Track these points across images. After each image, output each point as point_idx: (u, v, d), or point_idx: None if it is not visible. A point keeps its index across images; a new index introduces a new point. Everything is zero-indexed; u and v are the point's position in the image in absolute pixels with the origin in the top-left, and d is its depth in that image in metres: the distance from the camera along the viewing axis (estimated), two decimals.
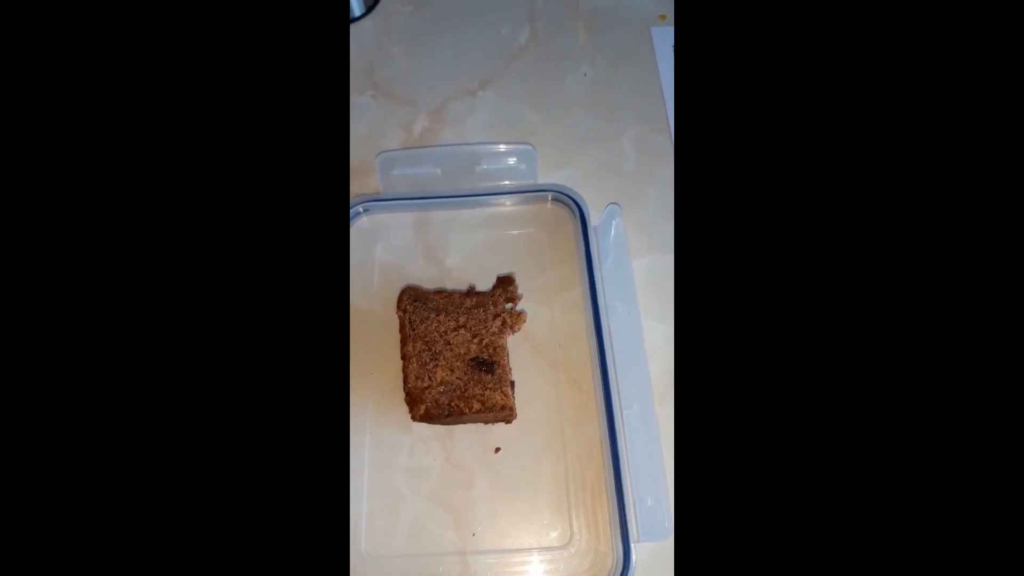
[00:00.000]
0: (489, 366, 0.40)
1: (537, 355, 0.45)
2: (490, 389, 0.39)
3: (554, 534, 0.40)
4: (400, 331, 0.42)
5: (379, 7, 0.62)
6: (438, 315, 0.42)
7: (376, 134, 0.55)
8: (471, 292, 0.45)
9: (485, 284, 0.47)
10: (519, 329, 0.43)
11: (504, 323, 0.42)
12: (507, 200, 0.50)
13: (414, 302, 0.43)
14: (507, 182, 0.50)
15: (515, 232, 0.49)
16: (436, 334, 0.41)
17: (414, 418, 0.40)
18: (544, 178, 0.50)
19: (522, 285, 0.46)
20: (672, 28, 0.59)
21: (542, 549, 0.40)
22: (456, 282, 0.47)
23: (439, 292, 0.44)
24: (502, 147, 0.49)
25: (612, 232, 0.46)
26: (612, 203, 0.48)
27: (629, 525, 0.38)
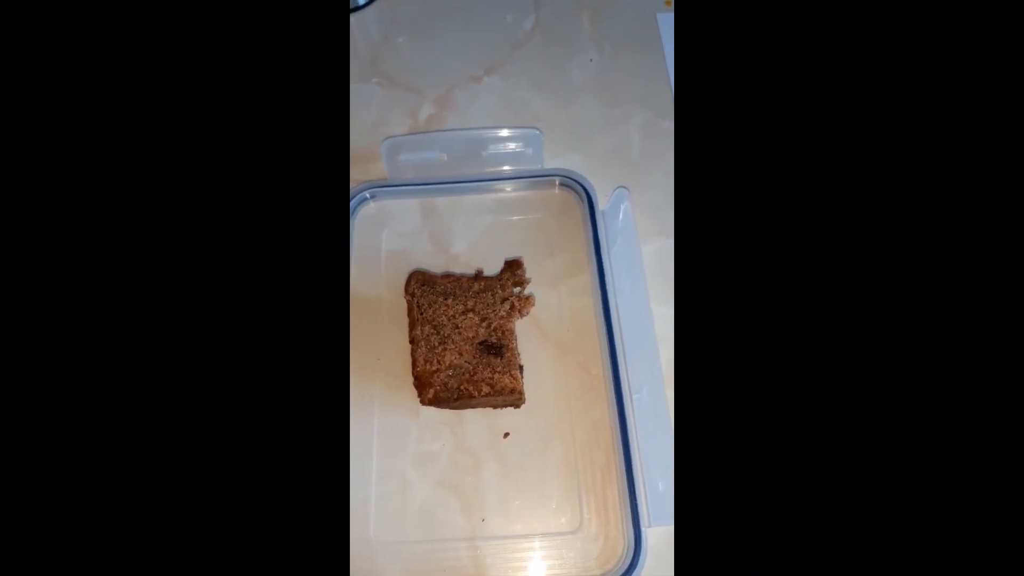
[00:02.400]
0: (498, 349, 0.40)
1: (545, 340, 0.45)
2: (499, 372, 0.39)
3: (564, 519, 0.40)
4: (408, 315, 0.42)
5: None
6: (446, 299, 0.42)
7: (382, 121, 0.54)
8: (479, 276, 0.45)
9: (492, 269, 0.47)
10: (527, 313, 0.42)
11: (512, 307, 0.42)
12: (514, 185, 0.49)
13: (422, 286, 0.42)
14: (514, 167, 0.49)
15: (522, 217, 0.49)
16: (444, 318, 0.41)
17: (423, 402, 0.39)
18: (550, 164, 0.50)
19: (530, 270, 0.46)
20: None
21: (552, 534, 0.39)
22: (463, 267, 0.47)
23: (447, 276, 0.44)
24: (508, 131, 0.48)
25: (620, 216, 0.46)
26: (620, 187, 0.47)
27: (640, 510, 0.38)
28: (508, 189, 0.50)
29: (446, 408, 0.41)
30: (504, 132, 0.48)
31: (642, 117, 0.54)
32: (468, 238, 0.48)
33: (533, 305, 0.43)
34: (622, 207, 0.46)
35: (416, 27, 0.60)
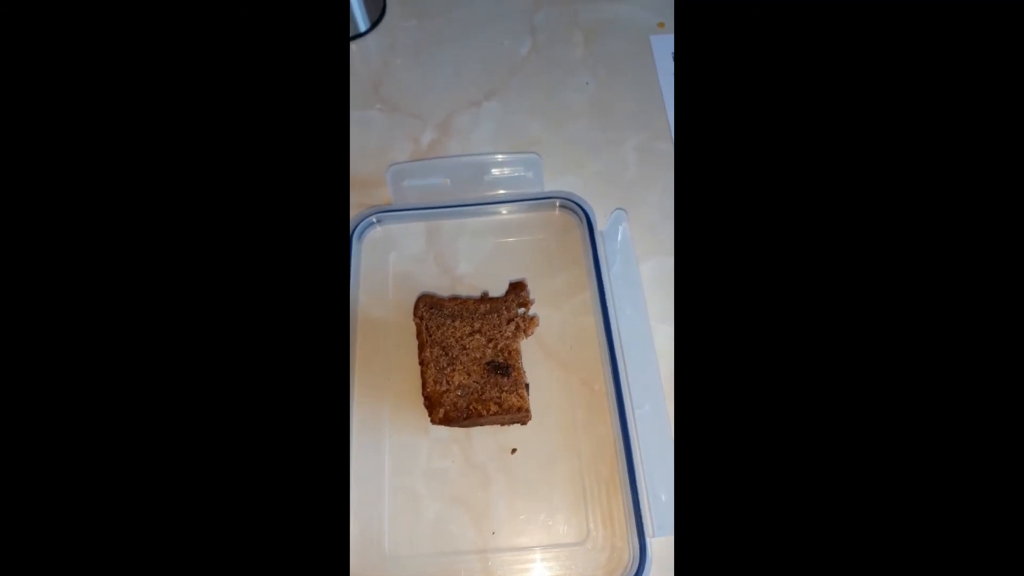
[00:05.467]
0: (504, 369, 0.41)
1: (549, 358, 0.46)
2: (506, 392, 0.41)
3: (571, 531, 0.41)
4: (417, 337, 0.43)
5: (383, 23, 0.63)
6: (454, 321, 0.43)
7: (385, 147, 0.56)
8: (484, 298, 0.46)
9: (496, 290, 0.48)
10: (532, 333, 0.44)
11: (518, 327, 0.43)
12: (515, 208, 0.51)
13: (430, 309, 0.44)
14: (514, 190, 0.51)
15: (524, 239, 0.51)
16: (452, 339, 0.43)
17: (434, 421, 0.41)
18: (550, 187, 0.52)
19: (532, 290, 0.48)
20: (670, 35, 0.61)
21: (560, 546, 0.41)
22: (468, 289, 0.49)
23: (454, 299, 0.46)
24: (508, 156, 0.50)
25: (619, 236, 0.48)
26: (618, 208, 0.49)
27: (644, 521, 0.39)
28: (510, 212, 0.51)
29: (456, 426, 0.43)
30: (505, 157, 0.50)
31: (637, 139, 0.56)
32: (472, 260, 0.50)
33: (537, 325, 0.45)
34: (620, 228, 0.48)
35: (416, 54, 0.61)
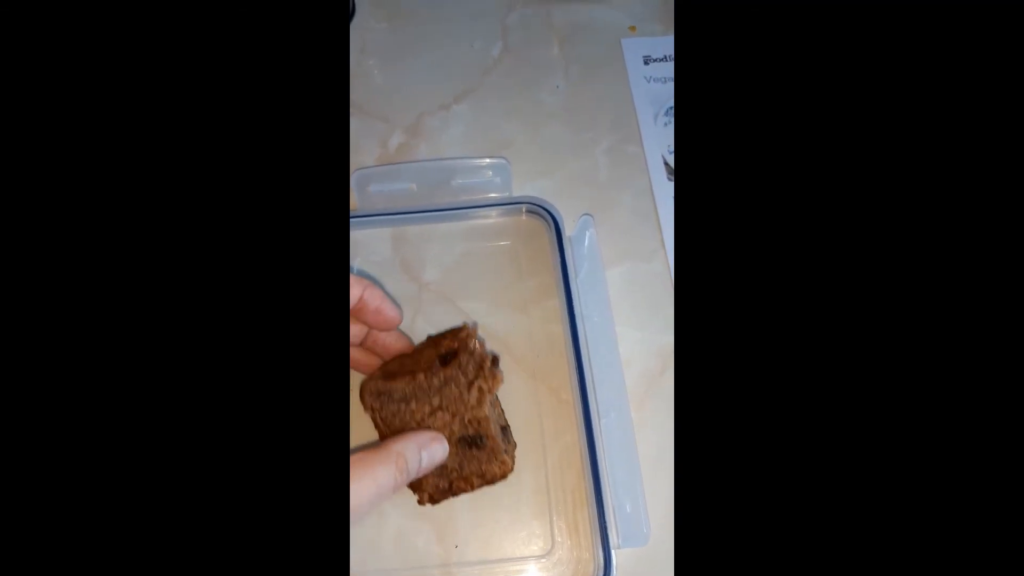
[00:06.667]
0: (478, 441, 0.39)
1: (517, 365, 0.45)
2: (485, 463, 0.39)
3: (536, 543, 0.41)
4: (376, 428, 0.40)
5: (352, 24, 0.62)
6: (408, 404, 0.39)
7: (352, 151, 0.55)
8: (434, 368, 0.40)
9: (463, 297, 0.48)
10: (497, 389, 0.40)
11: (480, 391, 0.39)
12: (483, 213, 0.50)
13: (378, 397, 0.40)
14: (483, 195, 0.50)
15: (492, 244, 0.50)
16: (412, 423, 0.39)
17: (421, 502, 0.39)
18: (521, 190, 0.51)
19: (500, 296, 0.47)
20: (642, 39, 0.60)
21: (525, 558, 0.40)
22: (434, 296, 0.48)
23: (396, 360, 0.42)
24: (476, 161, 0.49)
25: (586, 242, 0.47)
26: (585, 214, 0.49)
27: (609, 532, 0.39)
28: (477, 217, 0.51)
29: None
30: (473, 162, 0.49)
31: (608, 141, 0.55)
32: (439, 266, 0.49)
33: (502, 381, 0.41)
34: (587, 234, 0.47)
35: (385, 55, 0.61)
